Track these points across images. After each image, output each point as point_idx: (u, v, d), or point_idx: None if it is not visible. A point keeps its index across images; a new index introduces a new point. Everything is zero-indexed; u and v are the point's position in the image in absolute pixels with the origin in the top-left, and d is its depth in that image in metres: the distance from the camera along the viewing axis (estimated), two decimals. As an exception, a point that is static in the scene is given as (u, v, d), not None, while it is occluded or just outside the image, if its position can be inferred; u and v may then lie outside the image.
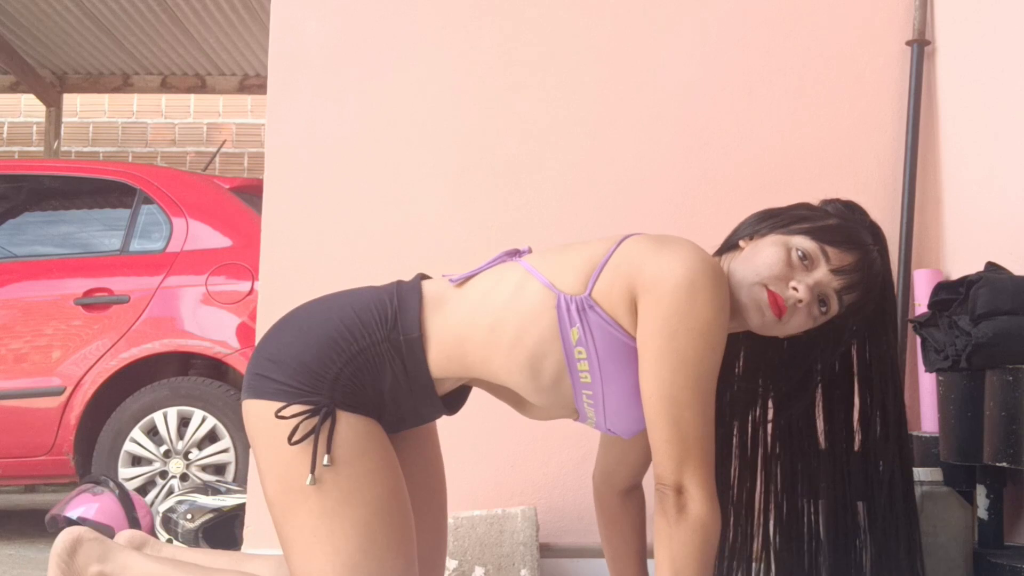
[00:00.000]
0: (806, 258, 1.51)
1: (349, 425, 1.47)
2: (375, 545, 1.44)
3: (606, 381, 1.49)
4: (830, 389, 1.69)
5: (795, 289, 1.50)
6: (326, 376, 1.47)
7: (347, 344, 1.49)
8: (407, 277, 1.64)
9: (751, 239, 1.59)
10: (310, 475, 1.43)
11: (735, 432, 1.74)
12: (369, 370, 1.49)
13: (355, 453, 1.46)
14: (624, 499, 1.83)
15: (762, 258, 1.52)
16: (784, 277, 1.50)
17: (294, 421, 1.45)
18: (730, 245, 1.63)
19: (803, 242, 1.53)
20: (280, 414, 1.45)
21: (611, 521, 1.85)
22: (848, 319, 1.57)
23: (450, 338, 1.51)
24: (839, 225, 1.56)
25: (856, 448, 1.69)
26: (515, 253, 1.63)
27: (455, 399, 1.66)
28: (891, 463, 1.67)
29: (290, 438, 1.44)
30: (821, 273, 1.51)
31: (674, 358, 1.41)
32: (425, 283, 1.59)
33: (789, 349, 1.68)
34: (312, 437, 1.44)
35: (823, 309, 1.53)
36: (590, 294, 1.47)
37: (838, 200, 1.64)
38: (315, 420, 1.45)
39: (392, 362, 1.50)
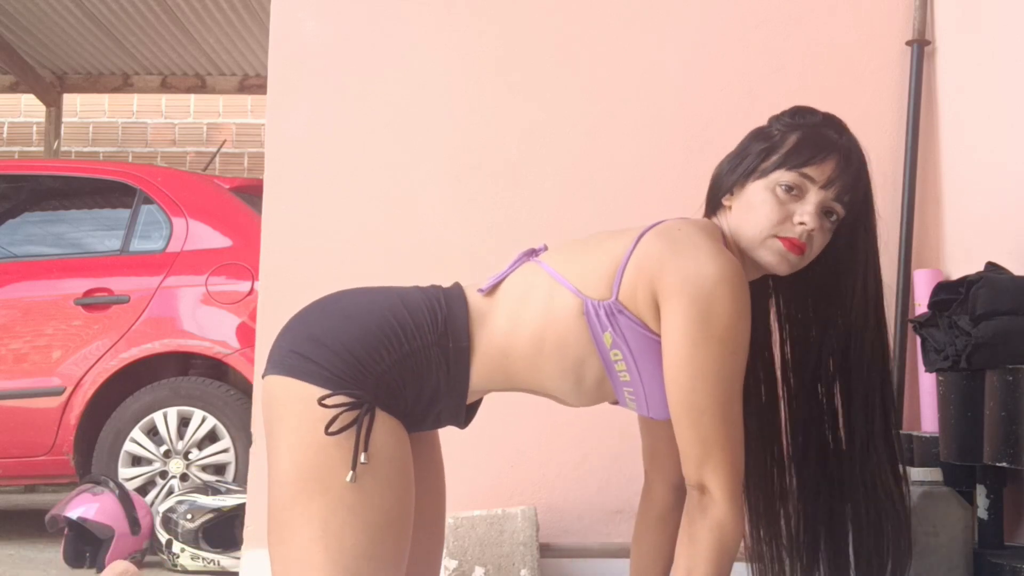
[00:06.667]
0: (793, 188, 1.53)
1: (385, 427, 1.45)
2: (379, 555, 1.42)
3: (644, 376, 1.51)
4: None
5: (802, 223, 1.52)
6: (373, 370, 1.45)
7: (399, 343, 1.47)
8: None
9: (732, 194, 1.60)
10: (351, 472, 1.39)
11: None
12: (416, 372, 1.48)
13: (385, 457, 1.43)
14: (677, 498, 1.70)
15: (758, 212, 1.54)
16: (786, 218, 1.53)
17: (334, 410, 1.41)
18: (715, 205, 1.64)
19: (782, 176, 1.54)
20: (324, 402, 1.41)
21: (658, 521, 1.72)
22: (847, 214, 1.58)
23: (495, 352, 1.52)
24: (802, 139, 1.56)
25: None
26: (532, 253, 1.63)
27: (469, 411, 1.64)
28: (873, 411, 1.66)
29: (328, 427, 1.40)
30: (814, 195, 1.53)
31: (694, 367, 1.43)
32: (467, 293, 1.58)
33: (818, 285, 1.67)
34: (352, 430, 1.41)
35: (832, 219, 1.56)
36: (617, 298, 1.48)
37: (783, 114, 1.63)
38: (355, 413, 1.42)
39: (439, 368, 1.50)
